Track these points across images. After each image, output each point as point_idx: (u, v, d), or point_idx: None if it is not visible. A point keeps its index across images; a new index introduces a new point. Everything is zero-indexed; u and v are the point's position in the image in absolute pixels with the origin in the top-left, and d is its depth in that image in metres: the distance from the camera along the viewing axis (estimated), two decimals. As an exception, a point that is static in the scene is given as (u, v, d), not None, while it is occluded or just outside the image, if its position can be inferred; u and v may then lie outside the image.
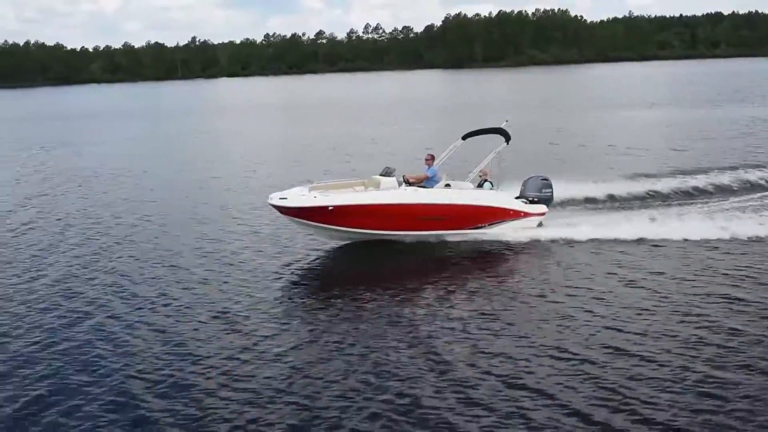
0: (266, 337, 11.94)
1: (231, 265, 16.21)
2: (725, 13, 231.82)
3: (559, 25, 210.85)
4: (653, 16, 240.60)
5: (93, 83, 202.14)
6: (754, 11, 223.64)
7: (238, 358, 11.11)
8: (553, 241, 17.18)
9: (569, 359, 10.66)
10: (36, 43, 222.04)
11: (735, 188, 21.88)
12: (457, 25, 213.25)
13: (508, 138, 18.56)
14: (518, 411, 9.24)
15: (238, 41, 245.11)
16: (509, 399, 9.56)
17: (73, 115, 76.53)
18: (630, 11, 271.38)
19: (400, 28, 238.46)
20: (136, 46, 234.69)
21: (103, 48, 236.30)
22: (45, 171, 33.03)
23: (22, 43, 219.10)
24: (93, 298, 14.22)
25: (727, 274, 14.28)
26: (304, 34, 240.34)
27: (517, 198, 18.26)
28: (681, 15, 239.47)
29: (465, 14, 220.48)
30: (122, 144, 45.47)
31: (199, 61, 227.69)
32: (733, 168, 24.63)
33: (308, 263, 16.59)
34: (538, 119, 47.54)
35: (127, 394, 10.07)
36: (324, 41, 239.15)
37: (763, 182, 22.50)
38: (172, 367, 10.88)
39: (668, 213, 18.95)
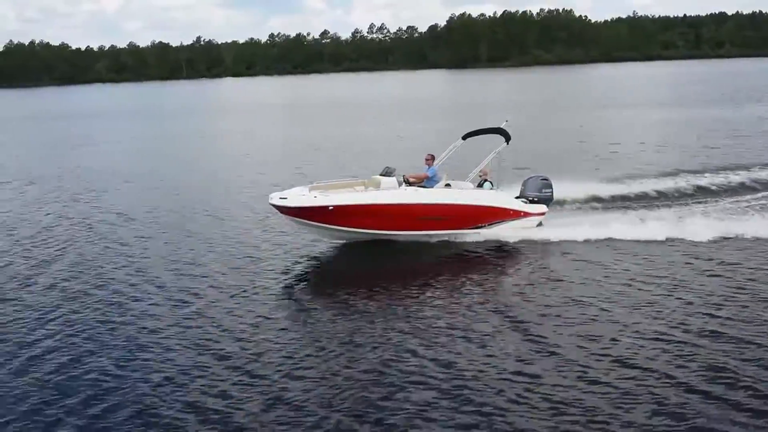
0: (266, 336, 12.02)
1: (231, 264, 16.29)
2: (729, 13, 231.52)
3: (563, 25, 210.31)
4: (657, 16, 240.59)
5: (98, 83, 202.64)
6: (758, 11, 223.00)
7: (238, 358, 11.19)
8: (552, 241, 17.20)
9: (569, 359, 10.72)
10: (41, 42, 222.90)
11: (735, 188, 21.84)
12: (461, 25, 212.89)
13: (508, 138, 18.60)
14: (519, 411, 9.30)
15: (241, 41, 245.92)
16: (509, 399, 9.61)
17: (79, 115, 76.78)
18: (634, 11, 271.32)
19: (404, 28, 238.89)
20: (141, 46, 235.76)
21: (108, 48, 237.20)
22: (49, 170, 33.14)
23: (27, 43, 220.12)
24: (93, 296, 14.34)
25: (728, 274, 14.28)
26: (308, 34, 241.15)
27: (517, 198, 18.31)
28: (685, 15, 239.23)
29: (469, 14, 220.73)
30: (128, 143, 45.69)
31: (204, 60, 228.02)
32: (734, 168, 24.58)
33: (308, 263, 16.66)
34: (539, 119, 47.55)
35: (127, 394, 10.17)
36: (328, 41, 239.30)
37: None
38: (171, 367, 10.98)
39: (669, 213, 18.96)
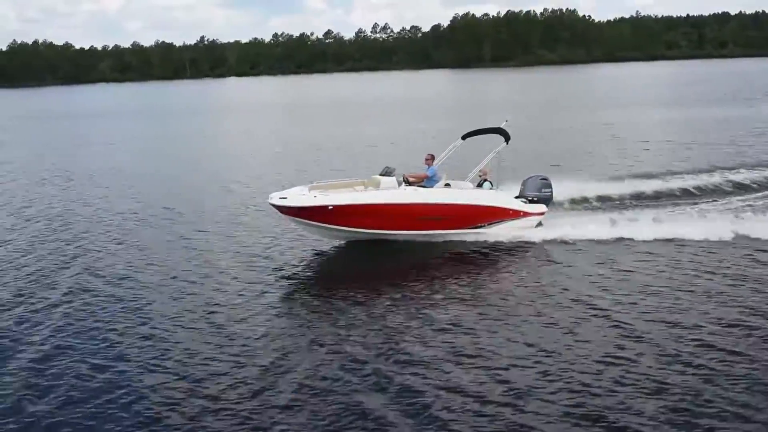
0: (266, 336, 12.07)
1: (231, 264, 16.34)
2: (732, 13, 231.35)
3: (567, 25, 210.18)
4: (660, 16, 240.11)
5: (102, 83, 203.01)
6: (761, 11, 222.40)
7: (237, 358, 11.24)
8: (552, 240, 17.21)
9: (569, 359, 10.75)
10: (44, 42, 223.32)
11: (738, 188, 21.87)
12: (465, 24, 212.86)
13: (507, 138, 18.64)
14: (518, 411, 9.33)
15: (245, 41, 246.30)
16: (509, 398, 9.65)
17: (83, 115, 76.94)
18: (637, 11, 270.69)
19: (408, 28, 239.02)
20: (144, 45, 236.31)
21: (112, 47, 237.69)
22: (51, 170, 33.22)
23: (30, 43, 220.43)
24: (93, 296, 14.39)
25: (730, 274, 14.31)
26: (312, 34, 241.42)
27: (516, 197, 18.34)
28: (688, 15, 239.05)
29: (473, 14, 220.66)
30: (131, 142, 45.80)
31: (208, 60, 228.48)
32: (736, 168, 24.60)
33: (308, 263, 16.70)
34: (540, 119, 47.53)
35: (125, 394, 10.23)
36: (332, 41, 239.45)
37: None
38: (170, 367, 11.03)
39: (669, 213, 18.95)
